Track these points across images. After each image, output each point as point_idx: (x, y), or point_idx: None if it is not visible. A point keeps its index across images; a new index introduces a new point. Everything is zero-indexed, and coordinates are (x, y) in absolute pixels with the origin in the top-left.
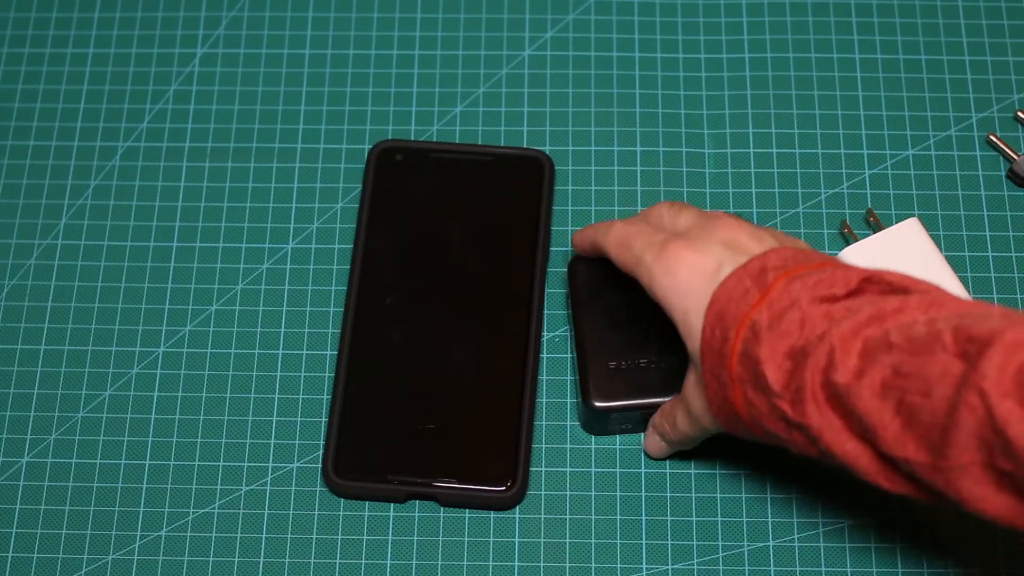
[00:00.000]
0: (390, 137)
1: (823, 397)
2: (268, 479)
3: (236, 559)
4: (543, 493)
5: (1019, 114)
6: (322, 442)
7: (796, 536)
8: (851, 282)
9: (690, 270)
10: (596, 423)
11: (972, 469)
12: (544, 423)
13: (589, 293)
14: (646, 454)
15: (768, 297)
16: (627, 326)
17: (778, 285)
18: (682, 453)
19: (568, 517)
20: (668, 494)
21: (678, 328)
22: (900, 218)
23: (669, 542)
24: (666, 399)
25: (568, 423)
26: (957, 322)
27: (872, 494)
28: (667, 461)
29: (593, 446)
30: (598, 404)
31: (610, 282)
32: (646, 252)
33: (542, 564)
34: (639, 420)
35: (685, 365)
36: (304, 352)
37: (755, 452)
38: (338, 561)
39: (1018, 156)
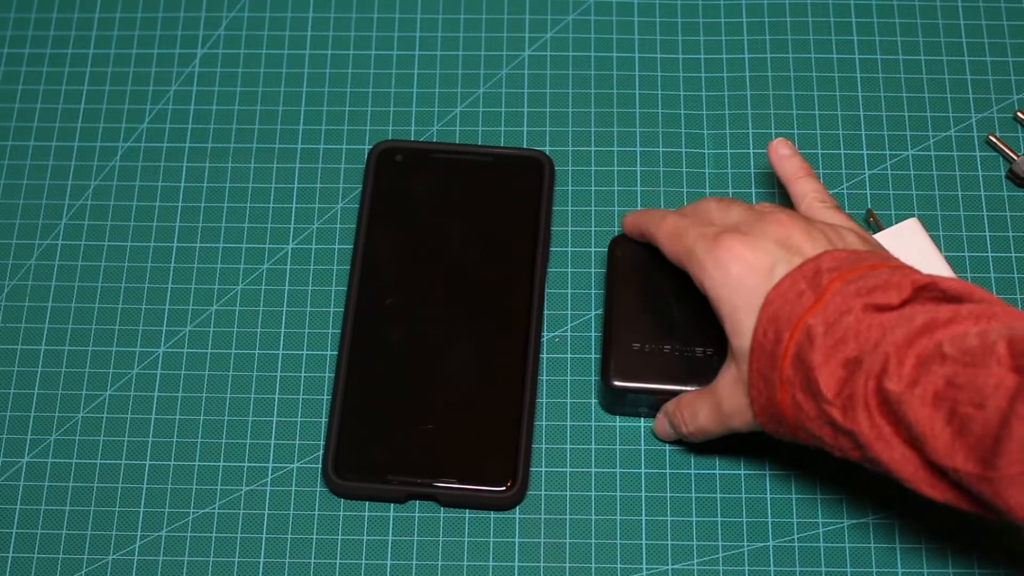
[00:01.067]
0: (390, 137)
1: (874, 404)
2: (268, 479)
3: (236, 559)
4: (543, 493)
5: (1019, 114)
6: (322, 442)
7: (796, 537)
8: (904, 291)
9: (742, 265)
10: (612, 402)
11: (1022, 480)
12: (544, 423)
13: (626, 273)
14: (654, 434)
15: (822, 301)
16: (658, 311)
17: (832, 288)
18: (682, 454)
19: (568, 517)
20: (668, 494)
21: (723, 323)
22: (900, 218)
23: (669, 542)
24: (684, 388)
25: (568, 423)
26: (1010, 334)
27: (871, 495)
28: (667, 462)
29: (593, 447)
30: (616, 383)
31: (650, 266)
32: (698, 243)
33: (542, 564)
34: (656, 404)
35: (709, 358)
36: (304, 352)
37: (755, 454)
38: (338, 561)
39: (1018, 156)
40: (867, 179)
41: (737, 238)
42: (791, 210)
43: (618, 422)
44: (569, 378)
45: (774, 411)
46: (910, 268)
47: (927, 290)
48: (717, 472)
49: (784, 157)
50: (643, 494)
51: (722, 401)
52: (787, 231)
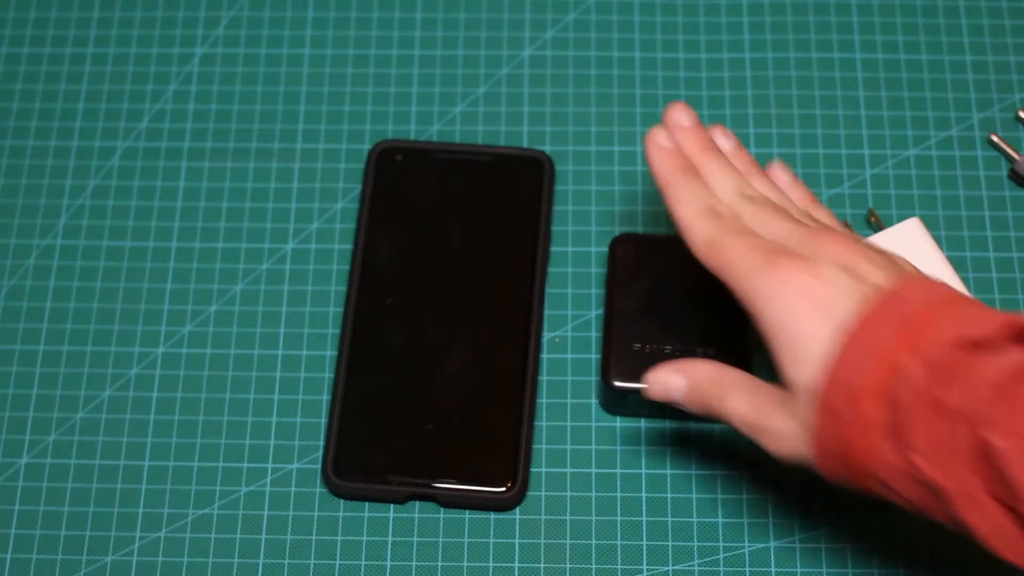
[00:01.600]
0: (390, 137)
1: (971, 458)
2: (268, 480)
3: (236, 560)
4: (543, 494)
5: (1020, 114)
6: (322, 443)
7: (797, 537)
8: (1002, 328)
9: (808, 295)
10: (613, 402)
11: None
12: (544, 423)
13: (626, 274)
14: (647, 388)
15: (914, 338)
16: (658, 311)
17: (923, 323)
18: (683, 454)
19: (568, 518)
20: (669, 495)
21: (777, 352)
22: (901, 218)
23: (670, 543)
24: None
25: (568, 424)
26: None
27: (873, 496)
28: (667, 462)
29: (593, 447)
30: (616, 383)
31: (650, 266)
32: (747, 262)
33: (542, 565)
34: (656, 405)
35: (709, 358)
36: (304, 352)
37: (756, 454)
38: (338, 562)
39: (1019, 156)
40: (868, 179)
41: (797, 264)
42: (837, 228)
43: (618, 422)
44: (569, 378)
45: (840, 451)
46: (994, 310)
47: (1019, 326)
48: (719, 473)
49: (787, 185)
50: (643, 495)
51: (763, 414)
52: (847, 254)
